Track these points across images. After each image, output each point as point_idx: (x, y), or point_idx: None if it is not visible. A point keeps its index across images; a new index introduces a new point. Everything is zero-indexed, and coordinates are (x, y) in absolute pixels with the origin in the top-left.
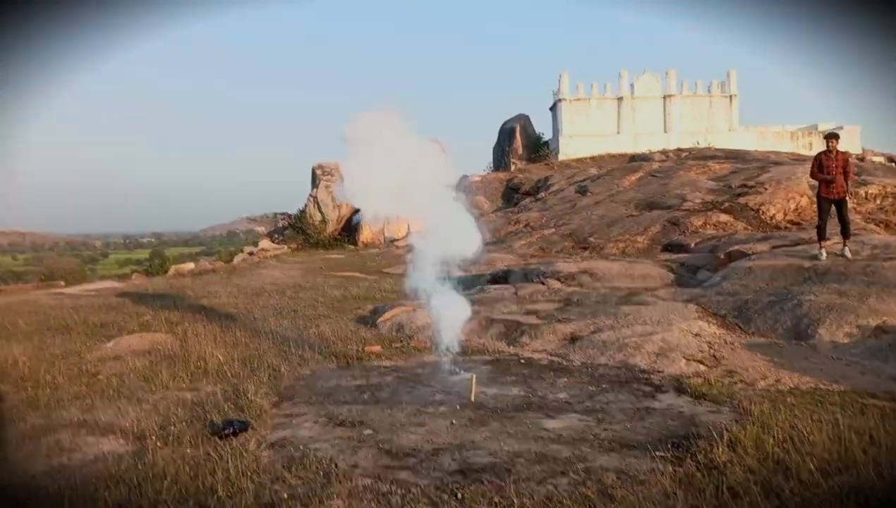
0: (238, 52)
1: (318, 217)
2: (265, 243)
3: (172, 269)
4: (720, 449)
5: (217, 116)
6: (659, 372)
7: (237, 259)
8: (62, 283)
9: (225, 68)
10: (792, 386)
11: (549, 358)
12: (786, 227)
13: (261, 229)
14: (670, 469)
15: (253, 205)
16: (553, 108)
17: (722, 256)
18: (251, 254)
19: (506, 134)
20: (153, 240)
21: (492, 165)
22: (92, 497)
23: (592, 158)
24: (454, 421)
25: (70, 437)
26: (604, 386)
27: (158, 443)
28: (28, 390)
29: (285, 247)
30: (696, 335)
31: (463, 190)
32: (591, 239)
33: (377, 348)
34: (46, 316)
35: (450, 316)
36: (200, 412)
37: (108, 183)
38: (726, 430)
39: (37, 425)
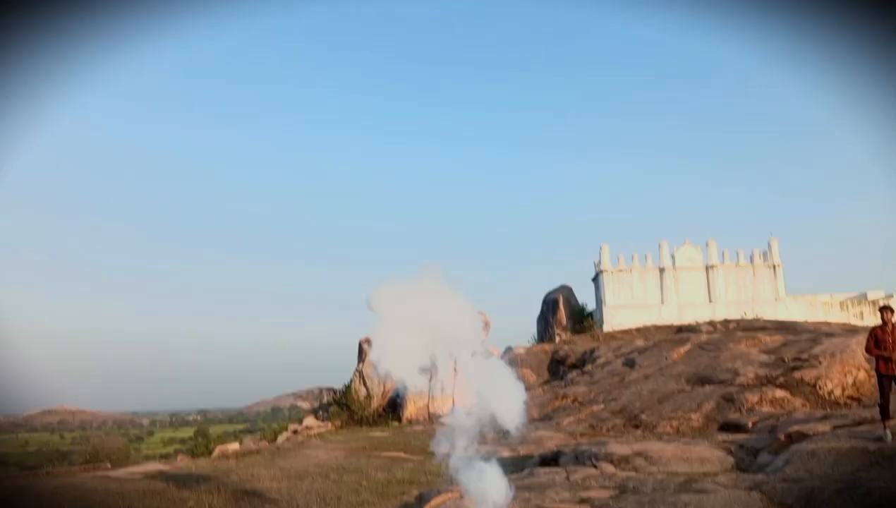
0: (281, 233)
1: (363, 392)
2: (309, 420)
3: (217, 450)
4: None
5: (261, 286)
6: None
7: (281, 438)
8: (108, 465)
9: (270, 244)
10: None
11: None
12: (845, 403)
13: (305, 405)
14: None
15: (298, 378)
16: (595, 279)
17: (782, 437)
18: (295, 432)
19: (549, 305)
20: (199, 417)
21: (536, 337)
22: None
23: (638, 330)
24: None
25: None
26: None
27: None
28: None
29: (329, 424)
30: None
31: (508, 362)
32: (643, 416)
33: None
34: (92, 501)
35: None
36: None
37: (153, 356)
38: None
39: None
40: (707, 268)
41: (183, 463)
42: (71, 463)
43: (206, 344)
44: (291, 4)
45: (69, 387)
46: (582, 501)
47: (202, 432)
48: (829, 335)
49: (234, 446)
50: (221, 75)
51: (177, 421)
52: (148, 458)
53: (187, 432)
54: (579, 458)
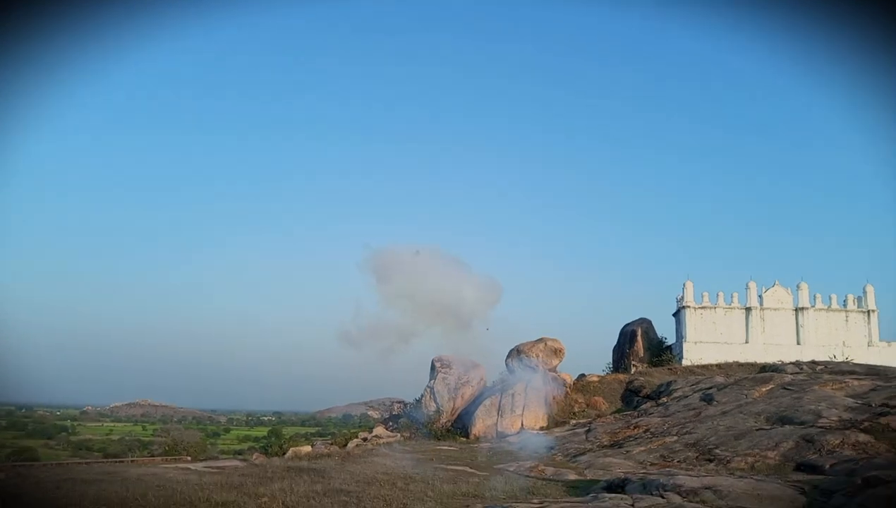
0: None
1: (433, 407)
2: (379, 430)
3: (291, 451)
4: None
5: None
6: None
7: (351, 444)
8: (188, 458)
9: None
10: None
11: None
12: None
13: (375, 414)
14: None
15: (369, 390)
16: (676, 314)
17: (859, 481)
18: (365, 439)
19: (626, 336)
20: (273, 418)
21: (611, 366)
22: None
23: (718, 366)
24: None
25: None
26: None
27: None
28: None
29: (398, 435)
30: None
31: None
32: (717, 450)
33: None
34: (173, 490)
35: None
36: None
37: (231, 360)
38: None
39: None
40: (797, 310)
41: (258, 461)
42: (151, 454)
43: (283, 350)
44: None
45: (153, 384)
46: None
47: (276, 432)
48: None
49: (306, 448)
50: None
51: (252, 420)
52: (223, 453)
53: (261, 431)
54: (646, 487)
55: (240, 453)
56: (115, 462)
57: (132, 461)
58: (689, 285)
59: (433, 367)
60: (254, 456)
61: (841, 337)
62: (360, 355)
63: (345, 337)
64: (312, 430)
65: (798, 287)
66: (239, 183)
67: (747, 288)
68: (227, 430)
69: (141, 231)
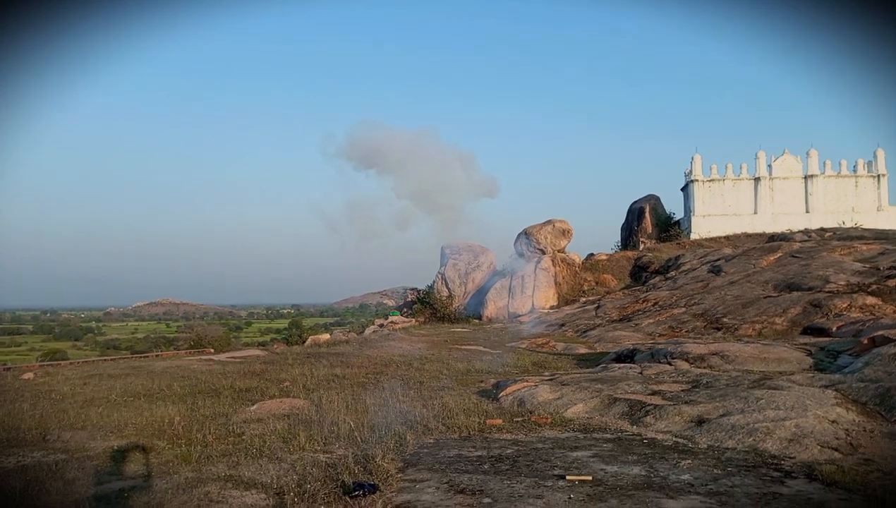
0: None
1: (445, 292)
2: (394, 317)
3: (310, 340)
4: None
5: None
6: (790, 458)
7: (368, 331)
8: (211, 350)
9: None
10: None
11: (674, 439)
12: None
13: (390, 302)
14: None
15: (384, 280)
16: (685, 189)
17: (865, 341)
18: (381, 326)
19: (635, 213)
20: (292, 311)
21: (619, 244)
22: None
23: (726, 238)
24: (572, 496)
25: (218, 490)
26: (730, 469)
27: (296, 499)
28: (182, 446)
29: (413, 320)
30: (833, 422)
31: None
32: (725, 319)
33: (498, 421)
34: (198, 380)
35: None
36: (333, 473)
37: (250, 257)
38: None
39: (189, 478)
40: (806, 178)
41: (279, 350)
42: (177, 349)
43: (298, 244)
44: None
45: (173, 283)
46: (653, 394)
47: (296, 324)
48: None
49: (324, 336)
50: None
51: (272, 313)
52: (247, 345)
53: (282, 323)
54: (655, 356)
55: (263, 345)
56: (141, 357)
57: (157, 355)
58: (698, 158)
59: (443, 254)
60: (274, 346)
61: (850, 203)
62: (344, 239)
63: (328, 222)
64: (331, 320)
65: (808, 154)
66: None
67: (756, 158)
68: (249, 324)
69: (161, 138)
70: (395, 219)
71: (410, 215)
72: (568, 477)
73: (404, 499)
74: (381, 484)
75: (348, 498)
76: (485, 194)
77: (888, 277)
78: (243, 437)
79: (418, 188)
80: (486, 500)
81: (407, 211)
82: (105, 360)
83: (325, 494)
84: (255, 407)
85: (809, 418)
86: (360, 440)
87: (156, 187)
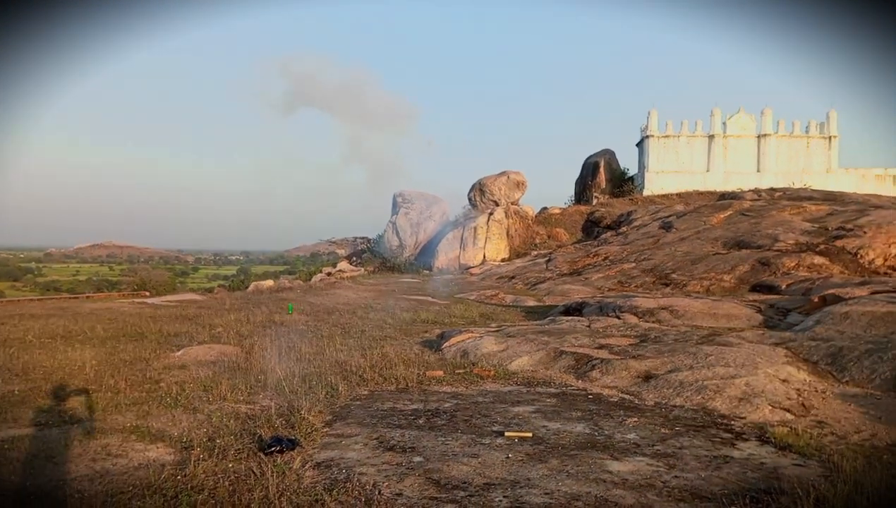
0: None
1: (395, 242)
2: (343, 265)
3: (252, 285)
4: None
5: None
6: (740, 418)
7: (315, 278)
8: (146, 293)
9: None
10: (889, 442)
11: (620, 395)
12: (886, 273)
13: (341, 251)
14: None
15: (336, 228)
16: (640, 144)
17: (816, 299)
18: (329, 274)
19: (589, 168)
20: (241, 257)
21: (573, 198)
22: (126, 506)
23: (679, 195)
24: (510, 455)
25: (119, 442)
26: (678, 429)
27: (203, 455)
28: (91, 393)
29: (362, 269)
30: (784, 381)
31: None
32: (674, 275)
33: (439, 373)
34: (125, 323)
35: None
36: (251, 426)
37: (200, 201)
38: (813, 488)
39: (89, 427)
40: (759, 137)
41: (220, 295)
42: (118, 292)
43: (247, 191)
44: None
45: (117, 225)
46: (601, 347)
47: (244, 270)
48: (877, 207)
49: (268, 282)
50: None
51: (220, 260)
52: (192, 291)
53: (230, 270)
54: (603, 309)
55: (210, 290)
56: (71, 298)
57: (87, 296)
58: (654, 114)
59: (395, 203)
60: (215, 291)
61: (801, 164)
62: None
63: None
64: (281, 268)
65: (762, 112)
66: None
67: (711, 114)
68: (196, 269)
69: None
70: (335, 162)
71: (349, 158)
72: (507, 434)
73: (326, 457)
74: (302, 440)
75: (263, 455)
76: (424, 145)
77: (836, 238)
78: (160, 385)
79: (352, 133)
80: (417, 458)
81: (346, 154)
82: (31, 300)
83: (237, 449)
84: (180, 352)
85: (760, 376)
86: (287, 391)
87: (101, 119)
